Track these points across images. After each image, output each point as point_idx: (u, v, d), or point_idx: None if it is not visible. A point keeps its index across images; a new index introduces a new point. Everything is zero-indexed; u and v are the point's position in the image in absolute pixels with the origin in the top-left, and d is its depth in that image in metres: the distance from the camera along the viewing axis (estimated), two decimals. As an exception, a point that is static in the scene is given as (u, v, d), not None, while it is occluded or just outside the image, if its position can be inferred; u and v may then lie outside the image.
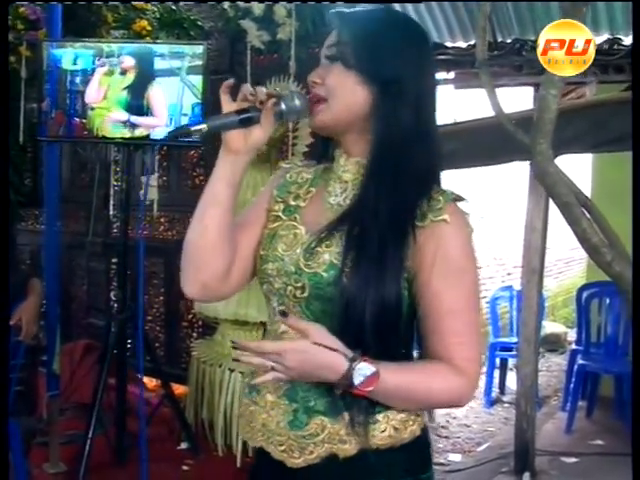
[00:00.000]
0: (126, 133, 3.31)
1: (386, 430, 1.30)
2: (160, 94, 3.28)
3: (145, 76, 3.28)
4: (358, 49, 1.27)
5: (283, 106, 1.28)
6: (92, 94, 3.32)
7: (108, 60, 3.28)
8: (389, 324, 1.24)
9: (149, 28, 4.10)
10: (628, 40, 3.69)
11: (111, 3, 4.26)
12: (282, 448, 1.33)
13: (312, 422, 1.30)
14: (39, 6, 4.12)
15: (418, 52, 1.31)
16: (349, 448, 1.29)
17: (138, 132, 3.32)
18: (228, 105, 1.27)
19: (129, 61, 3.28)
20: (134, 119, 3.29)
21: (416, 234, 1.25)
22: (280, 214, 1.40)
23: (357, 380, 1.19)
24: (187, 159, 4.52)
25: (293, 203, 1.40)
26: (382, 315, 1.22)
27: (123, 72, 3.29)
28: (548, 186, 1.94)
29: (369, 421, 1.28)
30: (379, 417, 1.30)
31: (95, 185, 3.94)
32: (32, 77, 4.13)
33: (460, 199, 1.30)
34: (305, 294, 1.28)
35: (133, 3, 4.10)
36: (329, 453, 1.30)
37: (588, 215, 2.01)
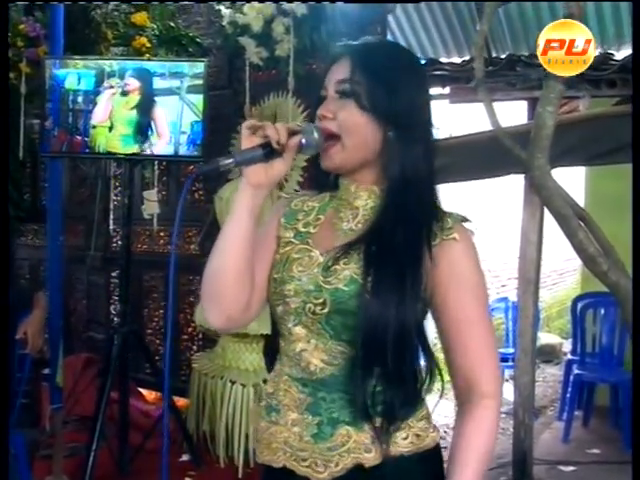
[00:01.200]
0: (136, 149, 3.38)
1: (408, 437, 1.35)
2: (163, 114, 3.37)
3: (149, 96, 3.37)
4: (375, 92, 1.31)
5: (304, 140, 1.31)
6: (100, 114, 3.41)
7: (116, 82, 3.38)
8: (408, 336, 1.30)
9: (148, 45, 4.15)
10: (619, 55, 3.76)
11: (110, 18, 4.32)
12: (306, 463, 1.35)
13: (337, 433, 1.33)
14: (39, 23, 4.17)
15: (426, 91, 1.41)
16: (374, 457, 1.33)
17: (148, 148, 3.40)
18: (249, 140, 1.30)
19: (134, 82, 3.38)
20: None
21: (430, 252, 1.32)
22: (292, 239, 1.43)
23: None
24: (186, 174, 4.56)
25: (303, 229, 1.44)
26: (403, 327, 1.28)
27: (125, 93, 3.39)
28: (546, 199, 2.00)
29: (393, 428, 1.33)
30: (401, 425, 1.35)
31: (97, 199, 3.98)
32: (31, 93, 4.19)
33: (466, 220, 1.39)
34: (326, 309, 1.32)
35: (132, 20, 4.14)
36: (354, 463, 1.33)
37: (584, 226, 2.06)
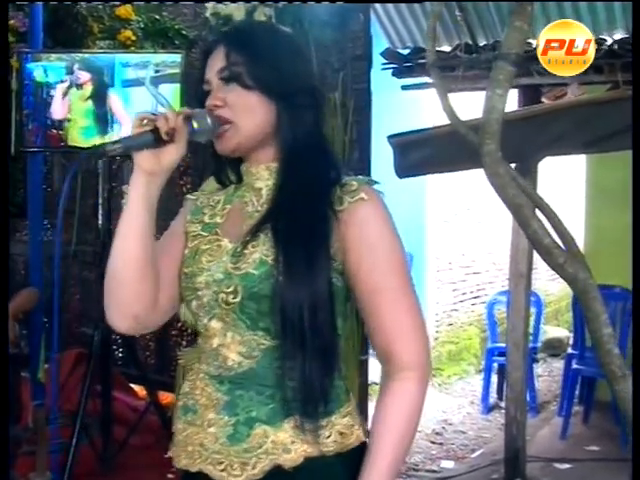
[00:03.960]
0: (97, 141, 3.34)
1: (331, 435, 1.28)
2: (117, 100, 3.35)
3: (102, 86, 3.35)
4: (254, 68, 1.30)
5: (196, 125, 1.29)
6: (57, 109, 3.40)
7: (68, 77, 3.36)
8: (324, 313, 1.25)
9: (134, 38, 4.11)
10: (610, 40, 3.66)
11: (99, 11, 4.29)
12: (222, 467, 1.28)
13: (254, 433, 1.27)
14: (24, 14, 4.15)
15: (305, 58, 1.41)
16: (294, 457, 1.26)
17: (108, 139, 3.34)
18: (140, 128, 1.27)
19: (84, 76, 3.36)
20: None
21: (338, 217, 1.28)
22: (200, 232, 1.39)
23: None
24: (176, 169, 4.52)
25: (210, 221, 1.40)
26: (317, 304, 1.23)
27: (80, 86, 3.36)
28: (497, 187, 1.93)
29: (314, 426, 1.26)
30: (323, 422, 1.27)
31: (77, 194, 3.95)
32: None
33: (373, 182, 1.35)
34: (238, 298, 1.26)
35: (117, 13, 4.11)
36: (273, 465, 1.26)
37: (542, 216, 1.98)
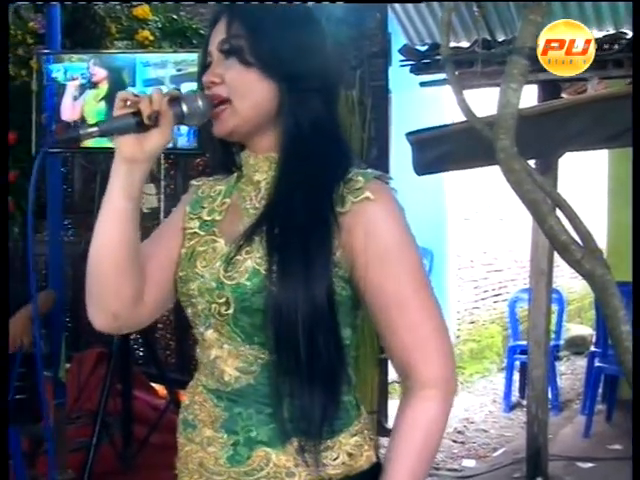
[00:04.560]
0: (108, 142, 3.32)
1: (339, 457, 1.17)
2: None
3: (120, 85, 3.22)
4: (256, 43, 1.18)
5: (184, 107, 1.17)
6: (67, 110, 3.30)
7: (79, 74, 3.27)
8: (324, 326, 1.13)
9: (151, 38, 4.12)
10: (630, 34, 3.61)
11: (117, 11, 4.30)
12: None
13: (254, 455, 1.16)
14: (42, 16, 4.18)
15: (318, 34, 1.25)
16: None
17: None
18: (122, 109, 1.15)
19: (99, 73, 3.25)
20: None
21: (339, 221, 1.14)
22: (197, 230, 1.27)
23: None
24: (193, 167, 4.55)
25: (208, 218, 1.28)
26: (314, 319, 1.11)
27: (94, 85, 3.27)
28: (513, 184, 1.90)
29: (320, 448, 1.15)
30: (329, 443, 1.16)
31: (96, 195, 3.97)
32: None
33: (384, 177, 1.21)
34: (230, 310, 1.15)
35: (134, 14, 4.12)
36: None
37: (558, 212, 1.95)
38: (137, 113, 1.13)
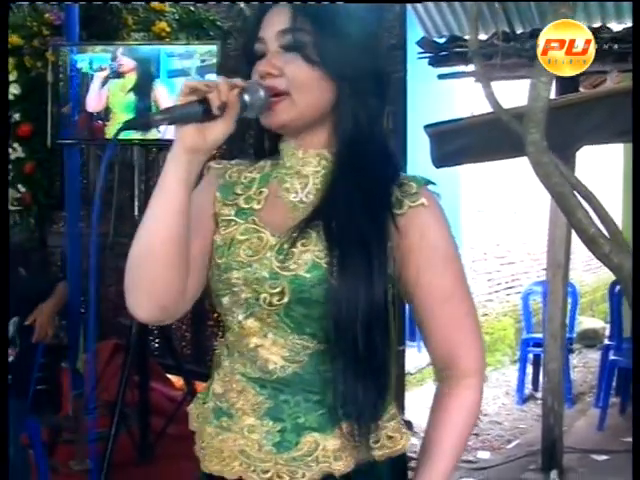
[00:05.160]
0: (139, 135, 3.31)
1: (380, 440, 1.22)
2: (164, 93, 3.21)
3: (147, 76, 3.22)
4: (323, 43, 1.17)
5: (247, 98, 1.14)
6: (92, 101, 3.28)
7: (107, 65, 3.25)
8: (379, 321, 1.18)
9: (168, 29, 4.12)
10: (619, 28, 3.61)
11: (133, 3, 4.30)
12: (267, 475, 1.19)
13: (303, 440, 1.18)
14: (58, 8, 4.19)
15: (375, 35, 1.29)
16: (345, 465, 1.19)
17: (151, 133, 3.31)
18: (187, 97, 1.12)
19: (128, 63, 3.23)
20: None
21: (396, 222, 1.19)
22: (234, 218, 1.25)
23: None
24: (213, 158, 4.53)
25: (246, 206, 1.26)
26: (372, 313, 1.16)
27: (121, 75, 3.25)
28: (542, 177, 1.90)
29: (365, 431, 1.18)
30: (373, 426, 1.20)
31: (114, 186, 3.97)
32: (58, 81, 4.21)
33: (431, 183, 1.26)
34: (285, 299, 1.16)
35: (151, 5, 4.12)
36: (323, 474, 1.19)
37: (588, 206, 1.95)
38: (203, 101, 1.11)
